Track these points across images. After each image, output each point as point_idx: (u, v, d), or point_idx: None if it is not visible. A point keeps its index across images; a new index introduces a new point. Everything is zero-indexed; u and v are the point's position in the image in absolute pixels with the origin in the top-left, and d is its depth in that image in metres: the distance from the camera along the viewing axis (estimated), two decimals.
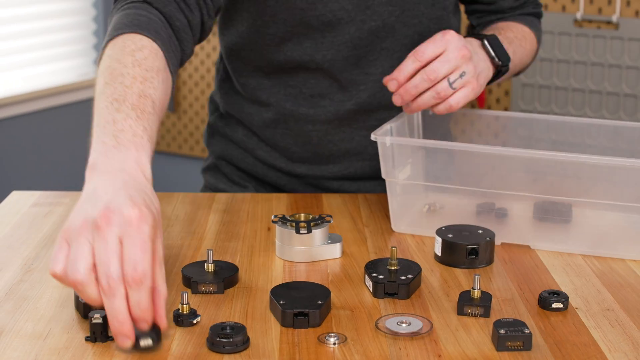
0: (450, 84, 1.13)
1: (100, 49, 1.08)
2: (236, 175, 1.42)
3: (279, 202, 1.27)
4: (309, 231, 1.05)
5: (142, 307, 0.79)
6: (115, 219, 0.80)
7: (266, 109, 1.34)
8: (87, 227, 0.80)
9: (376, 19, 1.27)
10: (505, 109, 2.69)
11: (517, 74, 1.41)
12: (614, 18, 2.49)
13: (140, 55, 1.00)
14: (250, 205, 1.26)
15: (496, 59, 1.22)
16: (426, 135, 1.29)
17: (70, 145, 3.20)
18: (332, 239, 1.08)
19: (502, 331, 0.85)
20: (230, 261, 1.04)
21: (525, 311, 0.93)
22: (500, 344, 0.84)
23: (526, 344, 0.84)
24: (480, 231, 1.08)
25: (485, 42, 1.23)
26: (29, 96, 3.00)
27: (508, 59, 1.24)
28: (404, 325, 0.88)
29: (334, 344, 0.85)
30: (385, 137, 1.13)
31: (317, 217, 1.08)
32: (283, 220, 1.08)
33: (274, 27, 1.28)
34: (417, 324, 0.88)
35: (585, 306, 0.95)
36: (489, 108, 2.71)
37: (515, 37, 1.32)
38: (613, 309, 0.94)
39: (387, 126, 1.17)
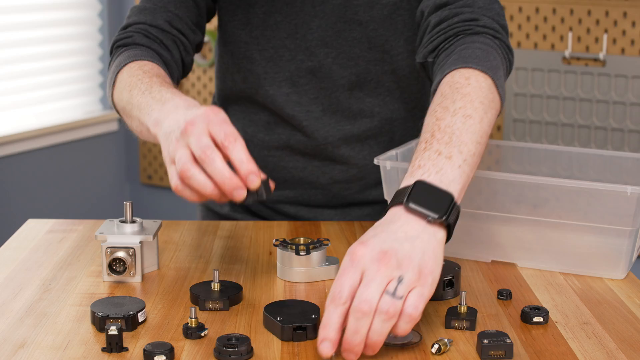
0: (394, 295, 0.87)
1: (108, 86, 1.23)
2: None
3: (280, 229, 1.35)
4: (308, 253, 1.12)
5: (245, 165, 0.98)
6: (197, 120, 0.97)
7: None
8: (178, 138, 0.98)
9: (313, 59, 1.32)
10: None
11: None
12: (601, 55, 2.57)
13: (147, 68, 1.18)
14: (253, 232, 1.33)
15: (432, 215, 0.92)
16: None
17: (79, 179, 3.29)
18: (329, 261, 1.15)
19: (485, 341, 0.92)
20: (234, 281, 1.12)
21: (508, 324, 1.01)
22: (484, 353, 0.91)
23: (508, 353, 0.92)
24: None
25: (411, 205, 0.93)
26: (40, 132, 3.10)
27: (450, 196, 0.94)
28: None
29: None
30: (386, 161, 1.21)
31: (315, 240, 1.16)
32: (284, 244, 1.15)
33: (226, 57, 1.38)
34: (407, 335, 0.95)
35: (565, 320, 1.02)
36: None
37: (458, 108, 1.04)
38: (590, 323, 1.02)
39: (392, 152, 1.25)
